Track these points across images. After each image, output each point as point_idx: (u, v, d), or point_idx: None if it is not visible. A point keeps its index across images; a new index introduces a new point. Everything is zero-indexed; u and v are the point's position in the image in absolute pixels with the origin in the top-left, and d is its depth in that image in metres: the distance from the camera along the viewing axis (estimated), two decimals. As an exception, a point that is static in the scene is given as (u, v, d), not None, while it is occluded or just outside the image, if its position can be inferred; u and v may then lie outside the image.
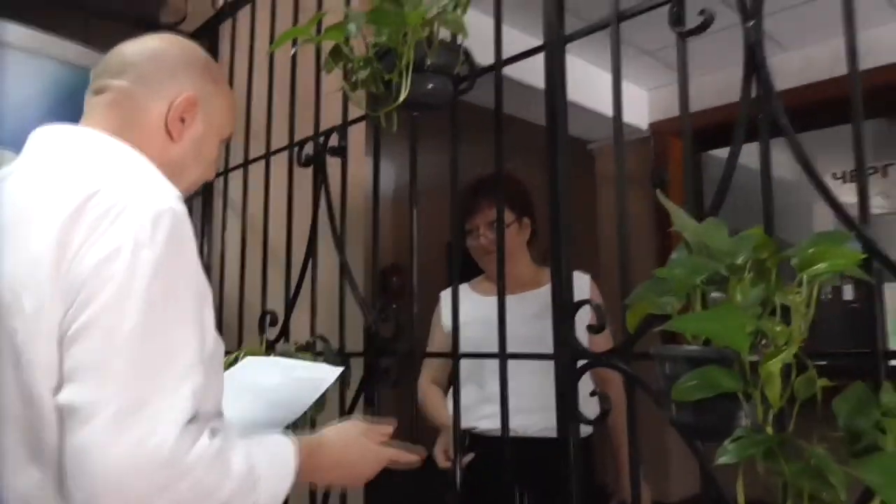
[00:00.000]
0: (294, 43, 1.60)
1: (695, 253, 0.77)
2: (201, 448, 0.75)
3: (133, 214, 0.80)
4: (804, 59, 3.13)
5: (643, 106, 3.75)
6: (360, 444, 1.03)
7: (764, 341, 0.70)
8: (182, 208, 0.85)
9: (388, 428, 1.10)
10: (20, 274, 0.80)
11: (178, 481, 0.73)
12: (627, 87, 3.52)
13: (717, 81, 3.30)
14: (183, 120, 1.00)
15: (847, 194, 3.63)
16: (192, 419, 0.76)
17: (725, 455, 0.62)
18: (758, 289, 0.74)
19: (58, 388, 0.76)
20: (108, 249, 0.77)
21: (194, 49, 1.07)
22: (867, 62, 3.21)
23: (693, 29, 1.00)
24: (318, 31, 1.42)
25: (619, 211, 1.08)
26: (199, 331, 0.82)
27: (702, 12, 0.99)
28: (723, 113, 2.54)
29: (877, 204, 3.36)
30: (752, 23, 0.93)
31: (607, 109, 3.50)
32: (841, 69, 3.19)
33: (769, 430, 0.68)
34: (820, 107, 2.73)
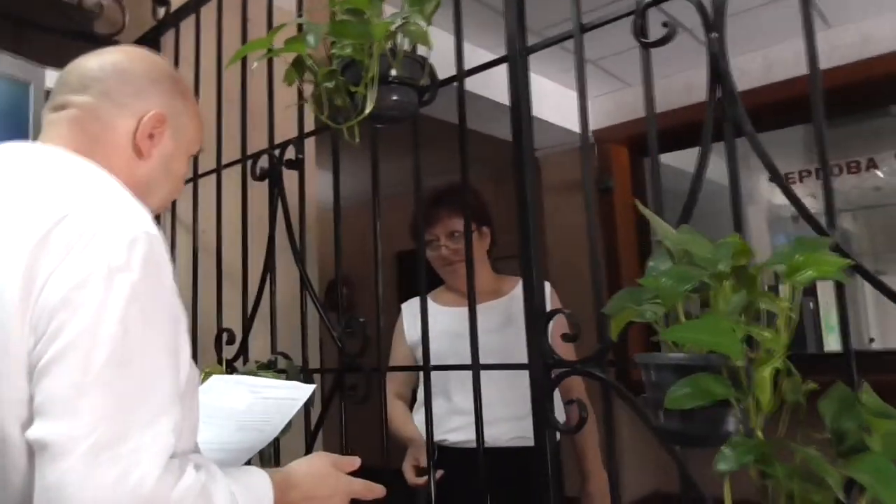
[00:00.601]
0: (243, 57, 1.56)
1: (677, 261, 0.78)
2: (185, 485, 0.71)
3: (106, 239, 0.75)
4: (740, 65, 3.26)
5: (588, 115, 3.82)
6: (330, 476, 1.00)
7: (749, 348, 0.71)
8: (156, 232, 0.81)
9: (356, 460, 1.07)
10: None
11: None
12: (570, 96, 3.59)
13: (659, 87, 3.41)
14: (152, 137, 0.96)
15: (780, 197, 3.76)
16: (173, 454, 0.72)
17: (724, 462, 0.63)
18: (738, 295, 0.76)
19: (28, 424, 0.71)
20: (79, 276, 0.72)
21: (160, 63, 1.03)
22: (801, 69, 3.36)
23: (657, 40, 1.02)
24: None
25: (589, 221, 1.09)
26: (175, 359, 0.78)
27: (665, 24, 1.01)
28: (667, 119, 2.62)
29: (810, 205, 3.52)
30: (714, 34, 0.95)
31: (551, 117, 3.55)
32: (777, 74, 3.31)
33: (759, 434, 0.69)
34: (761, 110, 2.84)
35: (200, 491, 0.73)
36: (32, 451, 0.71)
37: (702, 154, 0.96)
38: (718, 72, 0.95)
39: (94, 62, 0.96)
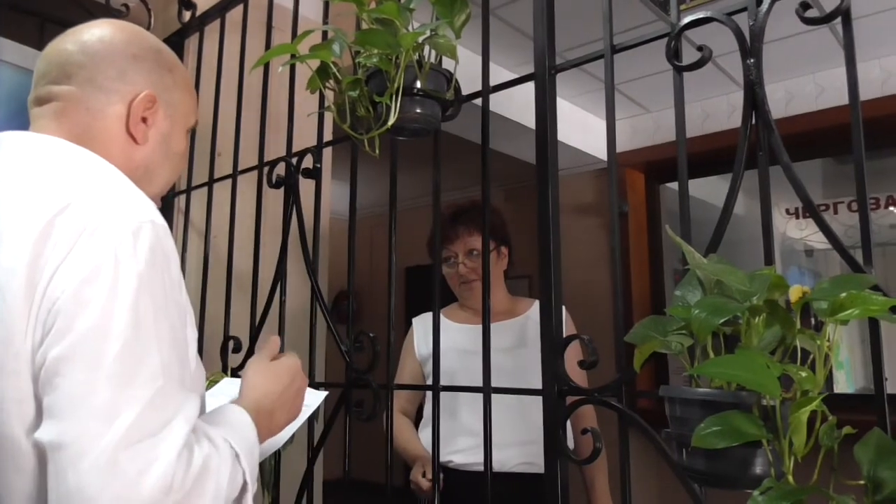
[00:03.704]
0: (264, 63, 1.55)
1: (708, 292, 0.75)
2: (197, 464, 0.70)
3: (111, 229, 0.72)
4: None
5: (604, 137, 3.81)
6: (276, 366, 0.98)
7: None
8: (162, 221, 0.78)
9: (276, 339, 1.05)
10: None
11: (183, 501, 0.68)
12: (588, 118, 3.57)
13: (673, 115, 3.39)
14: (145, 120, 0.91)
15: (794, 230, 3.72)
16: None
17: (756, 507, 0.60)
18: (771, 331, 0.73)
19: (34, 425, 0.69)
20: (86, 269, 0.70)
21: (141, 36, 0.95)
22: (818, 104, 3.32)
23: (690, 64, 1.00)
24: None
25: (612, 249, 1.06)
26: (184, 350, 0.76)
27: (700, 48, 0.99)
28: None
29: (825, 239, 3.48)
30: (752, 60, 0.93)
31: (565, 139, 3.53)
32: (795, 107, 3.28)
33: (790, 479, 0.65)
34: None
35: (206, 463, 0.71)
36: (40, 452, 0.68)
37: (733, 182, 0.93)
38: (754, 99, 0.92)
39: (72, 45, 0.90)
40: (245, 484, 0.79)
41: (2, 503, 0.71)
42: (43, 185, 0.78)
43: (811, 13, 0.92)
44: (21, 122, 0.97)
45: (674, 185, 3.69)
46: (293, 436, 1.21)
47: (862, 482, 0.65)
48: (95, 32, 0.91)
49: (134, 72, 0.91)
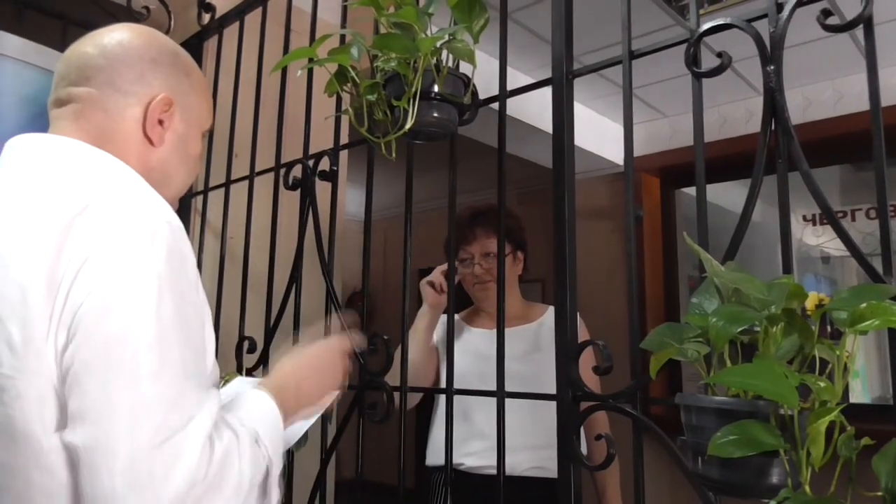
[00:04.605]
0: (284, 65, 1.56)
1: (725, 300, 0.74)
2: (219, 455, 0.72)
3: (129, 231, 0.74)
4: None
5: (619, 142, 3.79)
6: (303, 350, 1.01)
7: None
8: (178, 222, 0.80)
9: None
10: (6, 300, 0.73)
11: (206, 492, 0.70)
12: (604, 122, 3.56)
13: (689, 120, 3.37)
14: (161, 123, 0.93)
15: (810, 237, 3.68)
16: None
17: (772, 518, 0.59)
18: (789, 340, 0.72)
19: (56, 425, 0.71)
20: (108, 273, 0.71)
21: (159, 41, 0.97)
22: (836, 110, 3.29)
23: (710, 70, 0.99)
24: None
25: (628, 256, 1.06)
26: (203, 350, 0.78)
27: (719, 55, 0.98)
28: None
29: (841, 246, 3.44)
30: (772, 67, 0.92)
31: (580, 143, 3.52)
32: (813, 114, 3.26)
33: (807, 489, 0.65)
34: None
35: (228, 451, 0.73)
36: (69, 453, 0.70)
37: (752, 189, 0.92)
38: (774, 106, 0.92)
39: (91, 48, 0.91)
40: (269, 465, 0.81)
41: (21, 499, 0.72)
42: (62, 187, 0.79)
43: (832, 20, 0.91)
44: (44, 122, 0.99)
45: (689, 191, 3.67)
46: (307, 436, 1.22)
47: (880, 493, 0.65)
48: (115, 36, 0.93)
49: (152, 75, 0.92)
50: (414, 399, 1.82)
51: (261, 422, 0.83)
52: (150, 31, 0.98)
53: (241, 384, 1.31)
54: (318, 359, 1.01)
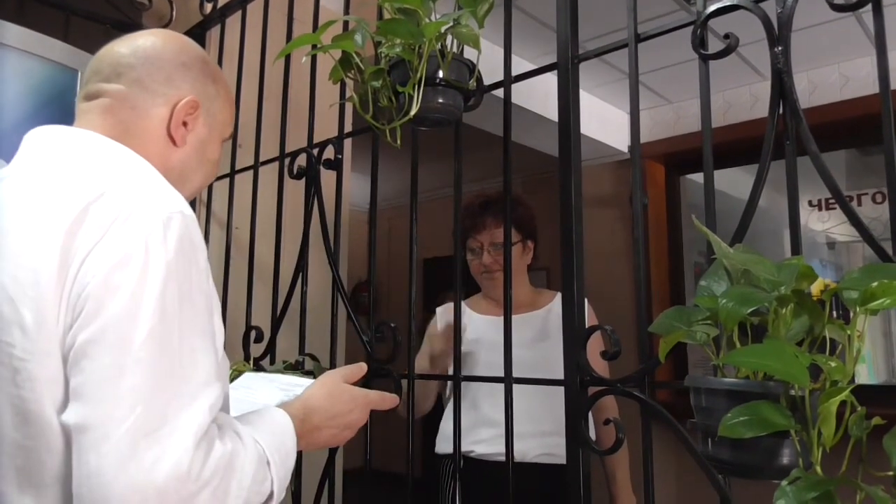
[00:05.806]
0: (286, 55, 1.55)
1: (735, 282, 0.74)
2: (216, 457, 0.71)
3: (142, 218, 0.74)
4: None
5: (623, 128, 3.79)
6: (345, 391, 1.00)
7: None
8: (191, 212, 0.80)
9: (363, 367, 1.07)
10: (19, 284, 0.74)
11: (197, 494, 0.69)
12: (607, 109, 3.54)
13: (694, 105, 3.36)
14: (185, 124, 0.95)
15: (815, 223, 3.67)
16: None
17: (784, 498, 0.59)
18: (799, 321, 0.72)
19: (63, 406, 0.71)
20: (117, 256, 0.72)
21: (190, 47, 1.00)
22: (843, 94, 3.26)
23: (716, 53, 0.99)
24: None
25: (635, 236, 1.06)
26: (211, 340, 0.77)
27: (726, 36, 0.98)
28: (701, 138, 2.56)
29: (847, 231, 3.43)
30: (780, 48, 0.92)
31: (584, 130, 3.51)
32: (819, 98, 3.22)
33: (818, 469, 0.65)
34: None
35: (231, 457, 0.73)
36: (68, 433, 0.70)
37: (760, 171, 0.92)
38: (782, 87, 0.91)
39: (125, 48, 0.94)
40: (271, 494, 0.79)
41: (32, 481, 0.73)
42: (79, 175, 0.81)
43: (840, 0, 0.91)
44: (48, 113, 0.99)
45: (694, 177, 3.65)
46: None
47: (891, 473, 0.65)
48: (149, 39, 0.97)
49: (181, 78, 0.95)
50: (425, 408, 1.83)
51: (274, 446, 0.81)
52: (183, 37, 1.01)
53: (250, 379, 1.31)
54: (351, 411, 0.99)
